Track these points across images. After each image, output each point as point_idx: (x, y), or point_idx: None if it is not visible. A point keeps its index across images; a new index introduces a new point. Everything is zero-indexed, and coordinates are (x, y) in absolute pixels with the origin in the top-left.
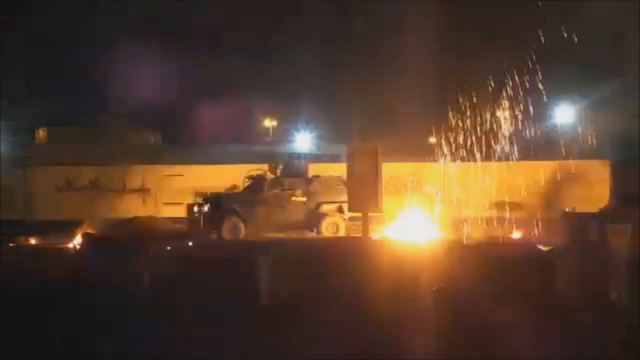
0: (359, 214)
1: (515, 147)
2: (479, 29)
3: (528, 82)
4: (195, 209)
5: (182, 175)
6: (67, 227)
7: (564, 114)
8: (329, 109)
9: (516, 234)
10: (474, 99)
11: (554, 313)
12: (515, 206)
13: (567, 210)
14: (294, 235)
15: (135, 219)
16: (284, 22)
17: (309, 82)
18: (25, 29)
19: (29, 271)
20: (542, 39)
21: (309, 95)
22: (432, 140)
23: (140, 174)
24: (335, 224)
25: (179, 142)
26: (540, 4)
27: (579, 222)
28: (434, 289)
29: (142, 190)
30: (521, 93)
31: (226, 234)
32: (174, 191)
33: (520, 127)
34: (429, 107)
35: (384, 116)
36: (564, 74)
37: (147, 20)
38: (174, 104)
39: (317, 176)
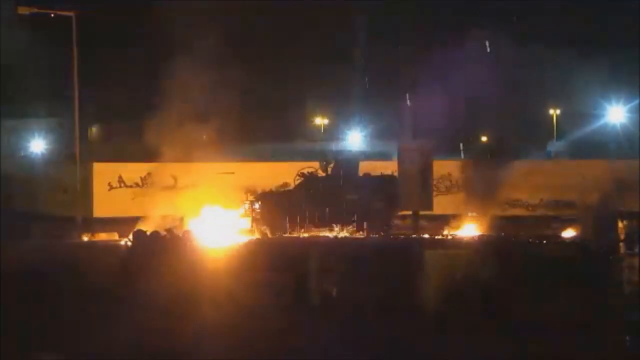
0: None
1: (567, 146)
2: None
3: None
4: (246, 206)
5: (234, 173)
6: (120, 224)
7: (617, 113)
8: (380, 107)
9: (567, 233)
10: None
11: (604, 311)
12: (567, 205)
13: (620, 209)
14: (343, 233)
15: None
16: (335, 21)
17: (360, 80)
18: (80, 26)
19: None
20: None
21: (360, 93)
22: (484, 138)
23: (191, 171)
24: (386, 222)
25: (230, 140)
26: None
27: (630, 222)
28: None
29: (194, 187)
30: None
31: (276, 231)
32: (225, 189)
33: (572, 126)
34: (480, 105)
35: (434, 114)
36: (617, 74)
37: (206, 18)
38: (227, 101)
39: (368, 174)
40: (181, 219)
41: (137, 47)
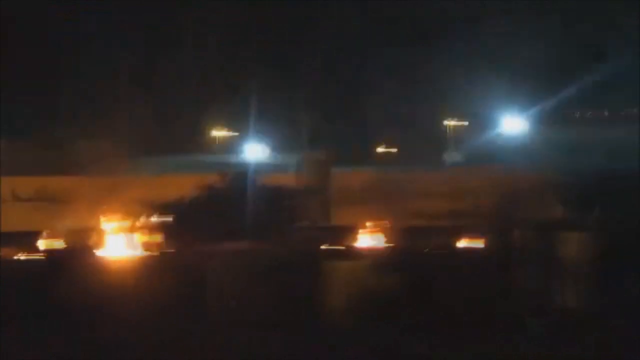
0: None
1: (463, 156)
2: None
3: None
4: (143, 219)
5: (130, 186)
6: (23, 239)
7: (512, 123)
8: (280, 117)
9: (462, 243)
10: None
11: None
12: (463, 214)
13: (515, 217)
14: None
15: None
16: (227, 29)
17: (259, 89)
18: None
19: None
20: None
21: (260, 103)
22: (381, 149)
23: (87, 184)
24: (283, 235)
25: (125, 152)
26: None
27: (525, 230)
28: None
29: (90, 201)
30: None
31: (173, 244)
32: (122, 202)
33: (468, 136)
34: (379, 114)
35: (335, 124)
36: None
37: (112, 28)
38: (122, 113)
39: (266, 186)
40: (88, 232)
41: (41, 56)
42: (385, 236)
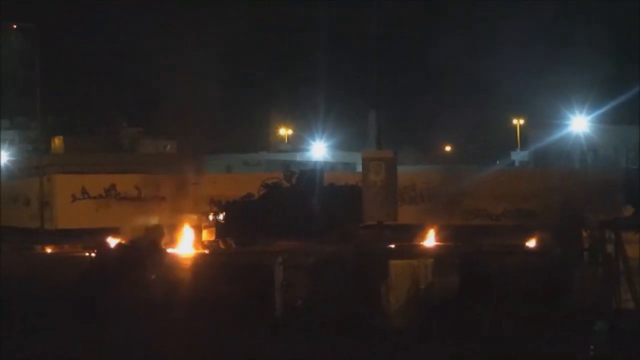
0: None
1: (531, 155)
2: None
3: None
4: (210, 217)
5: (197, 184)
6: (85, 236)
7: (580, 123)
8: (344, 117)
9: (531, 243)
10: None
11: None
12: (530, 215)
13: (583, 218)
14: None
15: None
16: (297, 30)
17: (324, 90)
18: (44, 39)
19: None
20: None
21: (324, 103)
22: (448, 148)
23: (155, 183)
24: (349, 233)
25: (194, 151)
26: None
27: (593, 231)
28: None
29: (158, 199)
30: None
31: (240, 242)
32: (189, 200)
33: (536, 135)
34: (444, 114)
35: (400, 123)
36: (581, 84)
37: (171, 33)
38: (190, 113)
39: (332, 185)
40: (156, 230)
41: (103, 59)
42: (450, 235)
